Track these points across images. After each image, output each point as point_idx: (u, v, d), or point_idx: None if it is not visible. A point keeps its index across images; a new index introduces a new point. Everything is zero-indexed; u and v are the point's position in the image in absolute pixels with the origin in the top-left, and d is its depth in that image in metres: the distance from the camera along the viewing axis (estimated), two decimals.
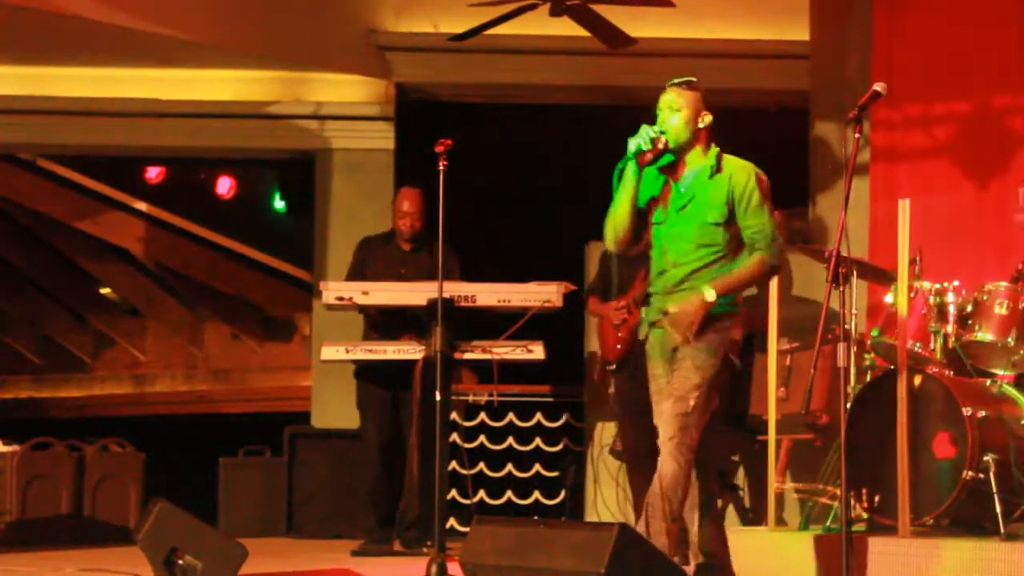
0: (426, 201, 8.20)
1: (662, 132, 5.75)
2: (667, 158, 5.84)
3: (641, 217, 5.88)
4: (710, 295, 5.67)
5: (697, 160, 5.84)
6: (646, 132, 5.72)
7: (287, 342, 15.27)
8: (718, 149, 5.88)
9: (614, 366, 7.93)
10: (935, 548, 6.12)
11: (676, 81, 5.88)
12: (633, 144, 5.71)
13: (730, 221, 5.78)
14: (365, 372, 8.27)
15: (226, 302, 15.68)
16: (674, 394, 5.68)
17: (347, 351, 8.11)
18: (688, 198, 5.82)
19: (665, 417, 5.70)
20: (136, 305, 16.63)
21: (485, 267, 8.24)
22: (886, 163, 8.51)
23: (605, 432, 8.90)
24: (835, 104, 8.54)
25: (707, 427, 5.77)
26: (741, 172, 5.81)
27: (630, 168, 5.76)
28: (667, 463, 5.66)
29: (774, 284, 6.89)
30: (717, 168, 5.82)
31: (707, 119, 5.83)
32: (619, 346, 7.87)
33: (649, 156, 5.74)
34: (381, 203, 9.67)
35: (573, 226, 9.47)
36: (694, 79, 5.89)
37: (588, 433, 9.15)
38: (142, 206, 14.73)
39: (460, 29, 9.12)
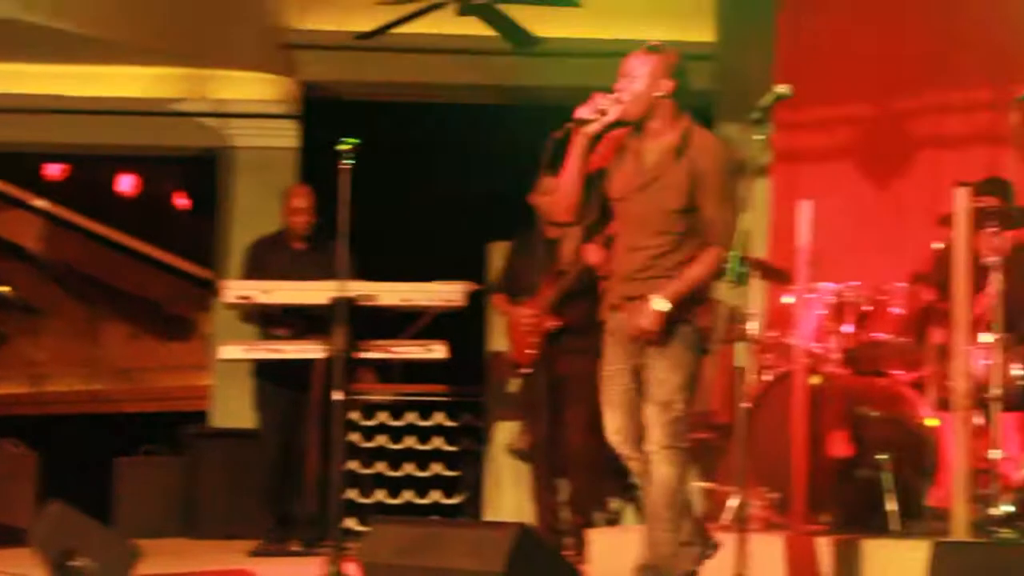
0: (317, 197, 8.17)
1: (618, 101, 5.37)
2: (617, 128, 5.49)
3: (592, 187, 5.51)
4: (662, 306, 5.29)
5: (665, 134, 5.42)
6: (595, 101, 5.37)
7: (187, 341, 15.15)
8: (690, 123, 5.45)
9: (526, 370, 7.93)
10: (830, 546, 6.14)
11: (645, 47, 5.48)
12: (578, 112, 5.37)
13: (694, 206, 5.37)
14: (264, 371, 8.22)
15: (126, 300, 15.52)
16: (658, 400, 5.35)
17: (246, 350, 8.06)
18: (651, 177, 5.42)
19: (652, 424, 5.38)
20: (34, 303, 16.41)
21: (387, 266, 8.17)
22: (787, 164, 8.57)
23: (506, 431, 8.88)
24: (739, 105, 8.57)
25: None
26: (707, 153, 5.39)
27: (578, 139, 5.40)
28: (662, 469, 5.37)
29: None
30: (684, 147, 5.38)
31: (665, 87, 5.39)
32: (530, 351, 7.86)
33: (595, 127, 5.39)
34: None
35: (476, 225, 9.45)
36: (659, 43, 5.47)
37: (489, 432, 9.13)
38: (42, 203, 14.55)
39: (367, 27, 9.07)
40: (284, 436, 8.17)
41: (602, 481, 8.33)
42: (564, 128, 5.42)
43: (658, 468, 5.40)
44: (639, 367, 5.46)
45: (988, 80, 7.98)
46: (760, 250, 7.87)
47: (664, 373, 5.36)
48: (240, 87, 10.56)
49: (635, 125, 5.48)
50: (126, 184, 13.04)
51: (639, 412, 5.45)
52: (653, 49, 5.47)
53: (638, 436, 5.47)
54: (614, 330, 5.56)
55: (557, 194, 5.58)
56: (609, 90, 5.45)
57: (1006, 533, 6.14)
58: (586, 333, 7.63)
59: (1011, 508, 6.31)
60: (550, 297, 7.79)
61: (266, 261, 8.29)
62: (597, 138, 5.50)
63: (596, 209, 5.61)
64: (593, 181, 5.53)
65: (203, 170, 11.08)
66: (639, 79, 5.41)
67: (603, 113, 5.38)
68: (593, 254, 7.40)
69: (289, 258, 8.28)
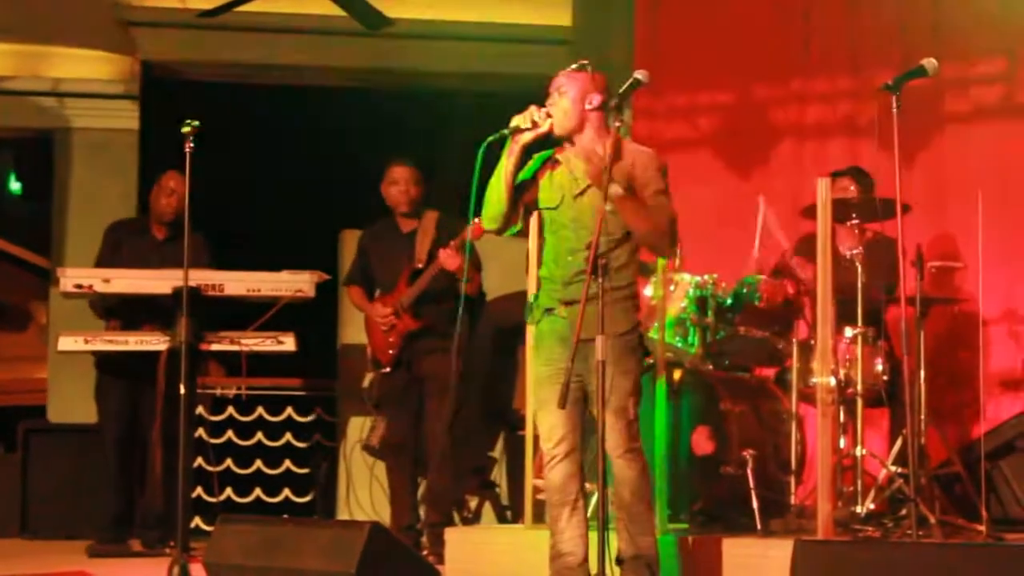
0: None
1: (548, 115, 5.53)
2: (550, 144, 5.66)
3: (519, 196, 5.66)
4: (617, 190, 5.39)
5: (594, 145, 5.57)
6: (530, 112, 5.51)
7: (21, 332, 14.85)
8: (618, 135, 5.60)
9: (388, 369, 7.85)
10: (692, 544, 6.06)
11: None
12: (513, 121, 5.52)
13: None
14: (105, 363, 7.96)
15: None
16: (612, 407, 5.40)
17: (86, 341, 7.79)
18: (586, 184, 5.57)
19: (610, 430, 5.41)
20: None
21: (234, 255, 7.98)
22: None
23: (359, 427, 8.71)
24: None
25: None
26: (642, 157, 5.59)
27: (509, 146, 5.54)
28: (628, 471, 5.48)
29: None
30: (618, 156, 5.52)
31: (595, 100, 5.57)
32: (391, 351, 7.80)
33: (529, 137, 5.53)
34: (124, 185, 9.35)
35: (326, 213, 9.25)
36: (585, 62, 5.68)
37: (341, 428, 8.98)
38: None
39: (210, 5, 8.86)
40: (126, 431, 7.93)
41: (460, 479, 8.23)
42: (499, 135, 5.52)
43: (623, 471, 5.50)
44: (582, 371, 5.48)
45: (850, 69, 7.99)
46: None
47: (615, 379, 5.42)
48: (77, 65, 10.23)
49: (566, 139, 5.64)
50: None
51: (576, 414, 5.57)
52: (581, 67, 5.66)
53: (572, 437, 5.57)
54: (549, 332, 5.63)
55: (486, 202, 5.68)
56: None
57: (869, 531, 6.14)
58: (443, 334, 7.54)
59: (873, 506, 6.33)
60: (407, 297, 7.74)
61: (124, 246, 8.05)
62: (528, 150, 5.63)
63: (521, 218, 5.74)
64: (519, 191, 5.67)
65: (38, 152, 10.71)
66: (568, 93, 5.59)
67: (536, 124, 5.53)
68: (450, 260, 7.48)
69: (150, 245, 8.05)
